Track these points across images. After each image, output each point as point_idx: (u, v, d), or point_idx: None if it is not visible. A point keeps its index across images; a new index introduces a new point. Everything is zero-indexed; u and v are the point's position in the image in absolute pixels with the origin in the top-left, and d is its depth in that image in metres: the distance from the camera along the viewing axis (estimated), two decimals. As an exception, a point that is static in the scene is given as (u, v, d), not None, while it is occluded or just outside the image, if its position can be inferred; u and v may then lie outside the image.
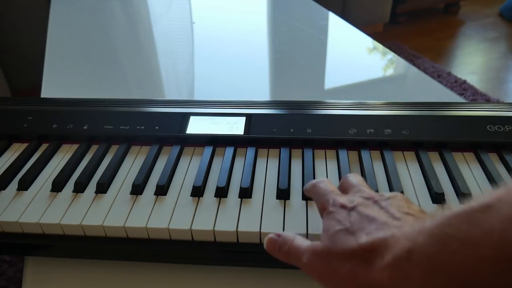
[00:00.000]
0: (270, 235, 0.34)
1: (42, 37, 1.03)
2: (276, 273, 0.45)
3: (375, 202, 0.31)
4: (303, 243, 0.32)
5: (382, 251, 0.25)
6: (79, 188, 0.48)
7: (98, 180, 0.48)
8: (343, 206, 0.31)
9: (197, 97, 0.81)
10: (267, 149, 0.53)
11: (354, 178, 0.37)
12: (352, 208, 0.30)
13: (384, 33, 2.60)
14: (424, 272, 0.22)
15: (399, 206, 0.29)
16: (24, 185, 0.48)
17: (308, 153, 0.51)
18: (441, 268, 0.21)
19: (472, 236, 0.20)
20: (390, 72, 0.90)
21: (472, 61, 2.30)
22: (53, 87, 0.81)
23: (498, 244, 0.18)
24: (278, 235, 0.33)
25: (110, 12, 1.20)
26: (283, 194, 0.45)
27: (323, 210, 0.34)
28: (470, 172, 0.48)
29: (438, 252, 0.21)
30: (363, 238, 0.27)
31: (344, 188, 0.36)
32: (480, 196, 0.21)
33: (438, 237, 0.21)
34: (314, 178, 0.47)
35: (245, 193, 0.46)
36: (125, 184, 0.49)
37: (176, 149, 0.53)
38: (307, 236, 0.41)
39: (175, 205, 0.45)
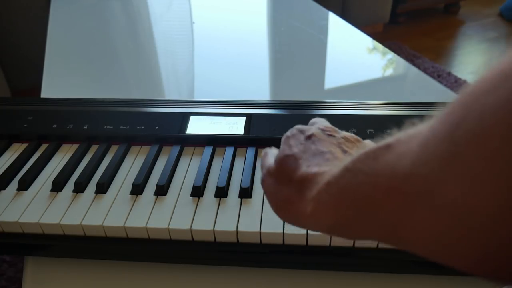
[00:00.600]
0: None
1: (42, 37, 1.03)
2: (276, 273, 0.45)
3: (330, 136, 0.33)
4: (270, 160, 0.34)
5: (312, 185, 0.27)
6: (79, 188, 0.48)
7: (98, 180, 0.48)
8: (301, 131, 0.33)
9: (197, 97, 0.81)
10: (267, 149, 0.53)
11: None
12: (309, 137, 0.32)
13: (384, 33, 2.59)
14: (338, 202, 0.24)
15: (348, 147, 0.32)
16: (24, 185, 0.48)
17: (308, 153, 0.51)
18: (350, 199, 0.23)
19: (373, 169, 0.22)
20: (390, 72, 0.90)
21: (472, 61, 2.29)
22: (53, 87, 0.81)
23: (389, 176, 0.21)
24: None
25: (110, 12, 1.20)
26: (283, 194, 0.45)
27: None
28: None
29: (349, 183, 0.24)
30: (303, 169, 0.29)
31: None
32: (387, 137, 0.23)
33: (350, 171, 0.24)
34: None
35: (245, 193, 0.46)
36: (125, 184, 0.49)
37: (176, 149, 0.53)
38: (307, 236, 0.41)
39: (175, 205, 0.45)
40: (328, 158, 0.29)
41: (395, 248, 0.22)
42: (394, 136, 0.22)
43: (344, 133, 0.33)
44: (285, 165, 0.31)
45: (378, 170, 0.22)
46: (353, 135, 0.33)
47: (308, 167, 0.29)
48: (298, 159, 0.30)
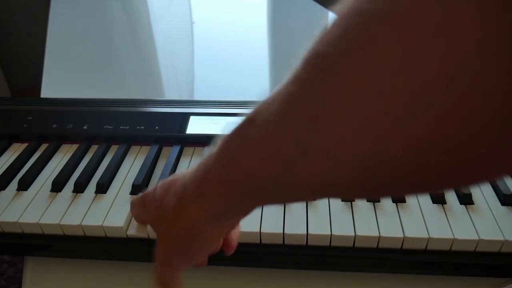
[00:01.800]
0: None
1: (42, 37, 1.03)
2: (276, 273, 0.45)
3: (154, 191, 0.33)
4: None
5: (181, 195, 0.27)
6: (79, 188, 0.48)
7: (98, 180, 0.48)
8: (147, 192, 0.33)
9: (197, 97, 0.81)
10: (267, 149, 0.53)
11: None
12: (155, 188, 0.32)
13: (384, 33, 2.59)
14: (222, 191, 0.24)
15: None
16: (24, 185, 0.48)
17: (308, 153, 0.51)
18: (236, 184, 0.23)
19: (242, 148, 0.22)
20: (390, 72, 0.90)
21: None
22: (53, 87, 0.81)
23: (259, 150, 0.21)
24: None
25: (110, 12, 1.20)
26: (283, 194, 0.45)
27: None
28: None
29: (225, 172, 0.24)
30: (169, 198, 0.29)
31: None
32: (247, 112, 0.23)
33: (218, 161, 0.24)
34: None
35: (245, 193, 0.46)
36: (125, 184, 0.49)
37: (176, 149, 0.53)
38: (307, 236, 0.41)
39: (175, 205, 0.45)
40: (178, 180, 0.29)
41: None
42: (254, 109, 0.23)
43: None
44: (152, 210, 0.31)
45: (248, 149, 0.22)
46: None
47: (165, 197, 0.29)
48: (159, 197, 0.30)
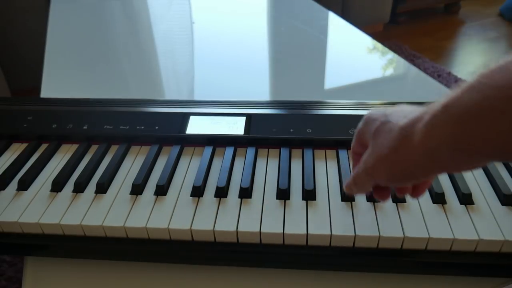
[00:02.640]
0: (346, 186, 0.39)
1: (42, 37, 1.03)
2: (276, 273, 0.45)
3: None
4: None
5: (417, 121, 0.28)
6: (79, 188, 0.48)
7: (98, 180, 0.48)
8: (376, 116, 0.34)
9: (197, 97, 0.81)
10: (267, 149, 0.53)
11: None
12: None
13: (384, 33, 2.59)
14: (458, 121, 0.25)
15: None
16: (24, 185, 0.48)
17: (308, 153, 0.51)
18: (476, 116, 0.24)
19: (507, 80, 0.22)
20: (390, 72, 0.90)
21: (472, 61, 2.29)
22: (53, 87, 0.81)
23: None
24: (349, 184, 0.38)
25: (110, 12, 1.20)
26: (283, 194, 0.45)
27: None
28: (471, 172, 0.48)
29: (475, 100, 0.24)
30: (402, 121, 0.30)
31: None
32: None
33: (475, 88, 0.24)
34: (314, 178, 0.47)
35: (245, 193, 0.46)
36: (125, 184, 0.49)
37: (176, 149, 0.53)
38: (307, 236, 0.41)
39: (175, 205, 0.45)
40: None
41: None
42: None
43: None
44: (382, 135, 0.32)
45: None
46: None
47: (405, 117, 0.30)
48: (389, 121, 0.31)
